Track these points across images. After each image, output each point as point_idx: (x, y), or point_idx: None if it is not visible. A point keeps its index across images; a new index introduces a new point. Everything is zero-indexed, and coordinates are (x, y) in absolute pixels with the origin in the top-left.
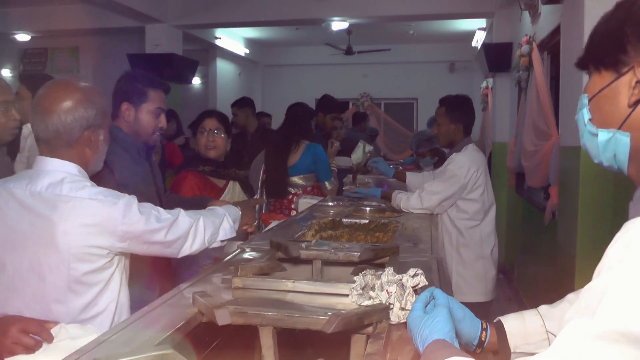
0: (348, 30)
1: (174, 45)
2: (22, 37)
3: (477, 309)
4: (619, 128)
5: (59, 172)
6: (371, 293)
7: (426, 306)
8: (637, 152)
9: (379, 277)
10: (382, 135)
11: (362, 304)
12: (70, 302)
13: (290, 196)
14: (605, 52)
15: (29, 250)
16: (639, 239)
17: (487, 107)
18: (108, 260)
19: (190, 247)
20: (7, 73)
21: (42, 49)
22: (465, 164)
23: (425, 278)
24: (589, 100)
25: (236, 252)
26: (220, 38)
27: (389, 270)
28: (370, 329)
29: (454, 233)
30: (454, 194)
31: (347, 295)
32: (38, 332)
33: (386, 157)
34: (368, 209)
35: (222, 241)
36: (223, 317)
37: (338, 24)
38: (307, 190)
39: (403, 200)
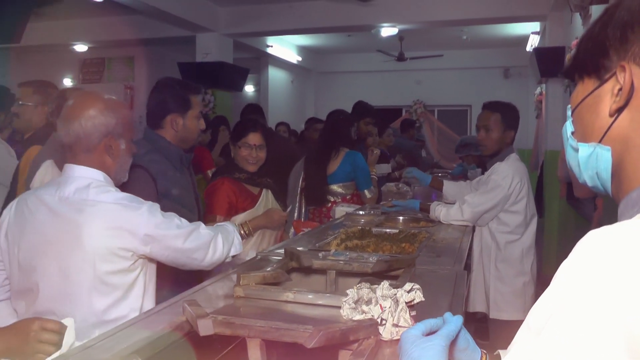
0: (400, 37)
1: (225, 54)
2: (81, 47)
3: (515, 327)
4: (600, 141)
5: (85, 178)
6: (364, 307)
7: (431, 333)
8: (618, 167)
9: (374, 291)
10: (436, 143)
11: (353, 318)
12: (95, 302)
13: (330, 204)
14: (588, 58)
15: (57, 253)
16: (587, 255)
17: (541, 114)
18: (132, 262)
19: (211, 258)
20: (67, 82)
21: (100, 59)
22: (509, 174)
23: (439, 292)
24: (572, 112)
25: (253, 259)
26: (272, 46)
27: (384, 284)
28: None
29: (492, 247)
30: (497, 205)
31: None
32: (57, 330)
33: (439, 165)
34: (401, 218)
35: (232, 256)
36: (205, 328)
37: (388, 30)
38: (346, 198)
39: (443, 212)
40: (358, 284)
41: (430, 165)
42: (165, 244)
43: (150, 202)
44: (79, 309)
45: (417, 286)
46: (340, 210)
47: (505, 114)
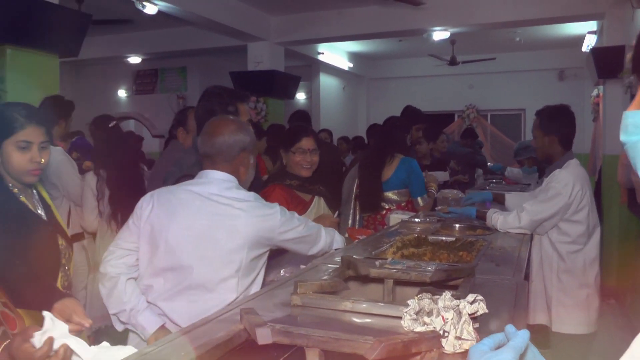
0: (451, 40)
1: (276, 62)
2: (135, 59)
3: (579, 341)
4: None
5: (226, 181)
6: (425, 318)
7: (499, 347)
8: None
9: (435, 302)
10: (489, 147)
11: (415, 330)
12: (240, 282)
13: (384, 211)
14: None
15: (214, 238)
16: None
17: (598, 116)
18: (266, 249)
19: (319, 246)
20: (122, 93)
21: (153, 70)
22: (570, 181)
23: (500, 303)
24: None
25: (309, 267)
26: (323, 53)
27: (447, 294)
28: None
29: (554, 257)
30: (557, 214)
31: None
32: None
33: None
34: (457, 226)
35: (335, 249)
36: (264, 336)
37: (439, 34)
38: (401, 205)
39: (500, 220)
40: (418, 294)
41: (483, 171)
42: (292, 234)
43: (276, 203)
44: (227, 287)
45: (480, 297)
46: (395, 218)
47: (544, 119)
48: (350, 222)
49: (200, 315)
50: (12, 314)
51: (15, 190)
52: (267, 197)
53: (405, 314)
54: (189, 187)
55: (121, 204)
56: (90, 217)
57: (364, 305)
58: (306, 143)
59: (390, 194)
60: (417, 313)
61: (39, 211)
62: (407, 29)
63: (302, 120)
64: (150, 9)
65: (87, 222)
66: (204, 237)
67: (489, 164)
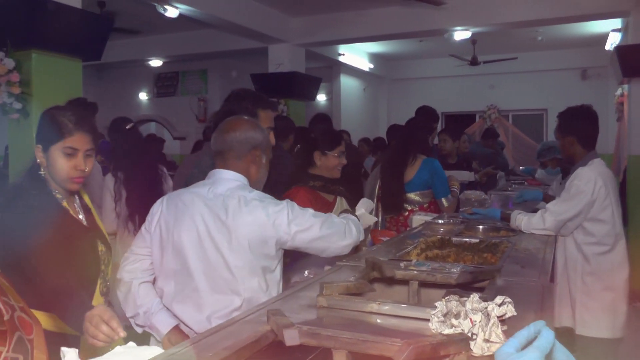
0: (473, 40)
1: (297, 64)
2: (156, 62)
3: (604, 346)
4: None
5: (234, 181)
6: (453, 321)
7: (526, 346)
8: None
9: (463, 304)
10: (510, 148)
11: (443, 332)
12: (246, 283)
13: (407, 213)
14: None
15: (214, 240)
16: None
17: (623, 116)
18: (276, 251)
19: (346, 241)
20: (143, 96)
21: (174, 72)
22: (592, 178)
23: (527, 306)
24: None
25: (334, 269)
26: (343, 54)
27: (474, 297)
28: None
29: (579, 259)
30: (581, 213)
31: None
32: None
33: (514, 172)
34: (481, 227)
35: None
36: (292, 338)
37: (460, 34)
38: (423, 207)
39: (524, 221)
40: (445, 296)
41: (506, 172)
42: (305, 233)
43: (287, 200)
44: (230, 288)
45: (509, 299)
46: (418, 219)
47: (563, 120)
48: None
49: (207, 318)
50: (29, 319)
51: (58, 195)
52: (291, 199)
53: (432, 316)
54: (195, 189)
55: (138, 205)
56: (108, 218)
57: (390, 307)
58: (342, 146)
59: (412, 195)
60: (444, 315)
61: (80, 216)
62: (428, 29)
63: (324, 123)
64: (171, 12)
65: (105, 223)
66: (206, 240)
67: (521, 167)
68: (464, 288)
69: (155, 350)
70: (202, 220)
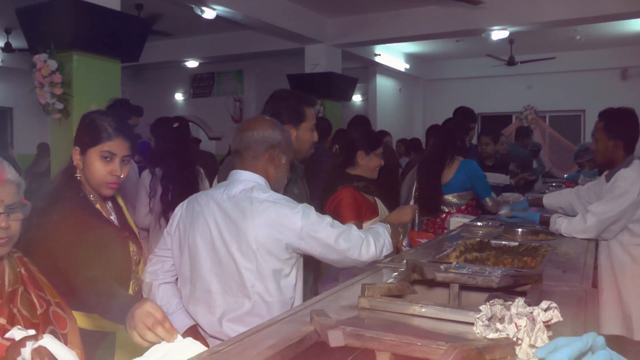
0: (510, 40)
1: (333, 64)
2: (192, 63)
3: None
4: None
5: (250, 182)
6: (498, 325)
7: (580, 358)
8: None
9: (508, 308)
10: (547, 150)
11: (487, 336)
12: (256, 287)
13: (444, 215)
14: None
15: (225, 242)
16: None
17: None
18: (288, 255)
19: (363, 256)
20: (179, 96)
21: (210, 73)
22: (637, 179)
23: (570, 311)
24: None
25: (373, 270)
26: (379, 55)
27: (519, 301)
28: None
29: (627, 262)
30: (625, 215)
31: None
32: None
33: (551, 173)
34: (520, 230)
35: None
36: (336, 339)
37: (498, 33)
38: (461, 209)
39: (564, 224)
40: (488, 299)
41: (542, 175)
42: (318, 239)
43: (305, 203)
44: (241, 291)
45: (554, 304)
46: (456, 221)
47: (609, 122)
48: (409, 225)
49: (218, 319)
50: (63, 314)
51: (92, 197)
52: (342, 200)
53: (477, 320)
54: (212, 191)
55: (172, 203)
56: (141, 213)
57: (433, 310)
58: (382, 147)
59: (450, 197)
60: (489, 319)
61: (112, 217)
62: (465, 28)
63: (362, 124)
64: (208, 14)
65: (138, 218)
66: (218, 242)
67: (565, 175)
68: (504, 292)
69: (199, 347)
70: (215, 222)
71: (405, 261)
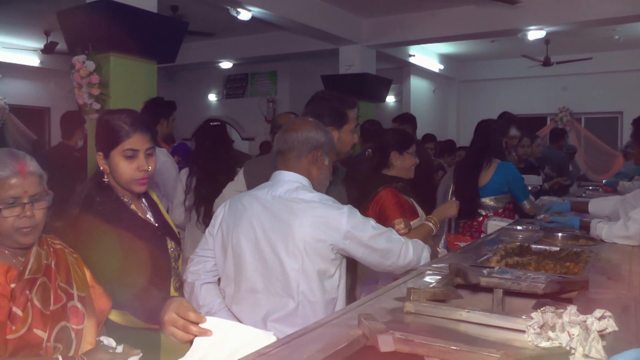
0: (546, 40)
1: (368, 65)
2: (226, 64)
3: None
4: None
5: (294, 182)
6: (550, 333)
7: None
8: None
9: (560, 316)
10: (583, 153)
11: (539, 345)
12: (300, 286)
13: (481, 218)
14: None
15: (270, 242)
16: None
17: None
18: (333, 255)
19: (401, 262)
20: (212, 97)
21: (243, 74)
22: None
23: (619, 320)
24: None
25: (415, 274)
26: (414, 55)
27: (572, 309)
28: None
29: None
30: None
31: (524, 332)
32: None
33: (587, 177)
34: (560, 235)
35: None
36: (386, 344)
37: (535, 33)
38: (498, 212)
39: (605, 230)
40: (540, 307)
41: (577, 178)
42: (362, 241)
43: (349, 205)
44: (285, 291)
45: (609, 313)
46: (493, 225)
47: (637, 128)
48: (445, 227)
49: (262, 319)
50: (83, 309)
51: (126, 199)
52: (386, 199)
53: (528, 327)
54: (255, 191)
55: (205, 196)
56: (178, 211)
57: (480, 316)
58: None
59: (487, 200)
60: (541, 327)
61: (148, 216)
62: (502, 29)
63: (408, 122)
64: (244, 15)
65: (174, 216)
66: (263, 242)
67: (603, 181)
68: (550, 298)
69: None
70: (260, 222)
71: (448, 265)
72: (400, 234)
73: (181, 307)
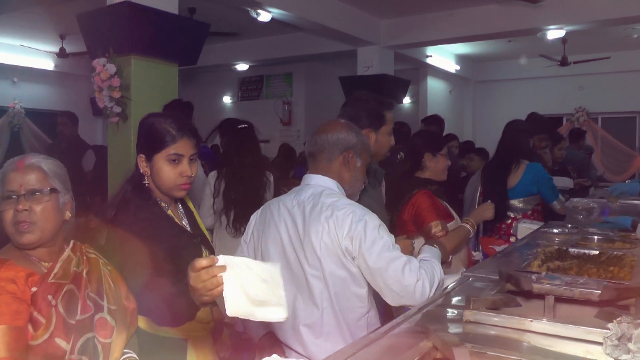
0: (563, 39)
1: (386, 66)
2: (241, 66)
3: None
4: None
5: (320, 186)
6: (629, 345)
7: None
8: None
9: (636, 326)
10: (599, 154)
11: (619, 358)
12: (323, 292)
13: (509, 220)
14: None
15: (292, 248)
16: None
17: None
18: (350, 264)
19: (397, 297)
20: (227, 99)
21: (259, 76)
22: None
23: None
24: None
25: (461, 280)
26: (431, 56)
27: None
28: None
29: None
30: None
31: (596, 343)
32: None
33: (604, 178)
34: (596, 237)
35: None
36: (463, 357)
37: (554, 32)
38: (526, 214)
39: None
40: (603, 315)
41: (594, 179)
42: (366, 258)
43: (375, 215)
44: (310, 297)
45: None
46: (524, 228)
47: None
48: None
49: (292, 326)
50: (113, 322)
51: (163, 204)
52: (422, 202)
53: (606, 339)
54: (284, 196)
55: (234, 201)
56: (206, 214)
57: (548, 326)
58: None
59: (515, 202)
60: (618, 339)
61: (184, 222)
62: (521, 28)
63: (436, 124)
64: (264, 17)
65: (202, 219)
66: (288, 248)
67: (626, 181)
68: (604, 306)
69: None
70: (286, 229)
71: (498, 271)
72: (437, 237)
73: (193, 266)
